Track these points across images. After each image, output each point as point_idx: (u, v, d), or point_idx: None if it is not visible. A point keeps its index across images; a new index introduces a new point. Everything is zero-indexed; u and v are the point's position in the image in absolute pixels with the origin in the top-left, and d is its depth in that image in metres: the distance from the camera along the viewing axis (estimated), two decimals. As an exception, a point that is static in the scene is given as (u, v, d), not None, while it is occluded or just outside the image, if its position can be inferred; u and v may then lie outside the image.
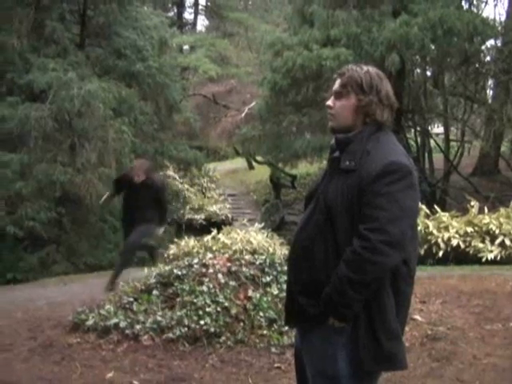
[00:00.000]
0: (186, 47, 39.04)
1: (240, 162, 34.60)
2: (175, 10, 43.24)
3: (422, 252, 12.88)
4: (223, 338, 6.80)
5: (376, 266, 3.06)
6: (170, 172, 25.14)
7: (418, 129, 23.81)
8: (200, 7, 45.09)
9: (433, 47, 18.32)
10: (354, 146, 3.23)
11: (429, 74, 23.82)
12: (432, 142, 25.23)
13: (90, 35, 20.59)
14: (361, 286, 3.07)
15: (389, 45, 17.15)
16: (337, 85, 3.35)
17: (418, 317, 7.44)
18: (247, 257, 8.05)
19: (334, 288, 3.10)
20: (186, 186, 26.40)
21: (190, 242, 13.62)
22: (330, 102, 3.36)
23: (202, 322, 6.86)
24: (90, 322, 7.29)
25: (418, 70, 23.31)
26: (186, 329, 6.85)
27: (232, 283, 7.35)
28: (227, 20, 39.60)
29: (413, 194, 3.17)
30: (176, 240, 14.62)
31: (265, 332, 6.91)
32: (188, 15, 45.66)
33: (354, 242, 3.08)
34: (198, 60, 32.23)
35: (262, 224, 16.87)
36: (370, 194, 3.08)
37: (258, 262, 7.82)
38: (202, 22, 49.60)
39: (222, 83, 33.69)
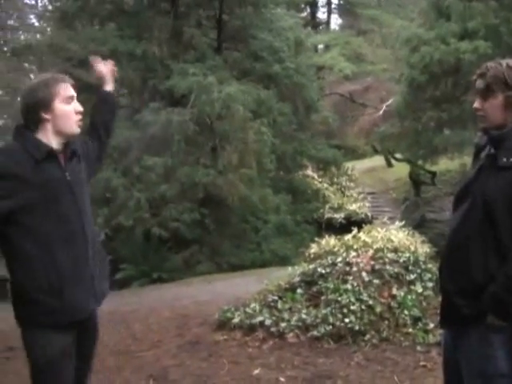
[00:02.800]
0: (320, 46, 39.11)
1: (378, 160, 34.19)
2: (308, 10, 43.42)
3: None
4: (368, 336, 6.81)
5: None
6: (309, 171, 25.27)
7: None
8: (333, 6, 45.03)
9: None
10: (510, 142, 3.14)
11: None
12: None
13: (227, 39, 20.99)
14: None
15: (530, 35, 16.63)
16: (480, 86, 3.24)
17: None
18: (390, 255, 7.99)
19: (502, 286, 3.04)
20: (325, 185, 26.48)
21: (330, 241, 13.57)
22: (477, 104, 3.27)
23: (346, 320, 6.89)
24: (235, 320, 7.47)
25: None
26: (331, 327, 6.90)
27: (376, 281, 7.34)
28: (361, 17, 39.26)
29: None
30: (316, 239, 14.66)
31: (410, 330, 6.87)
32: (321, 14, 45.80)
33: None
34: (333, 59, 32.28)
35: (403, 222, 16.63)
36: None
37: (401, 260, 7.78)
38: (336, 21, 49.38)
39: (358, 81, 33.50)
